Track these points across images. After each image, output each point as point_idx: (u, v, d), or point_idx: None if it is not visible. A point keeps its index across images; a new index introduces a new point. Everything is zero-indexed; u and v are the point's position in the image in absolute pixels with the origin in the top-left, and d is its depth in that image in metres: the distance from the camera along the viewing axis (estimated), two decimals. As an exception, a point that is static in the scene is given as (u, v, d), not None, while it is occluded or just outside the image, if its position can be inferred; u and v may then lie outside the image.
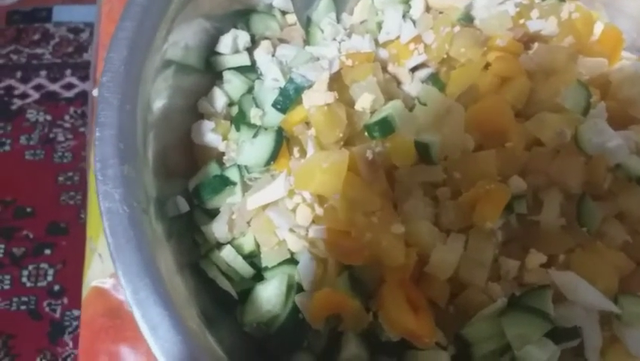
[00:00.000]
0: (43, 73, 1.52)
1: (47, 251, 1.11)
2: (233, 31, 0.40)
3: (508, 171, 0.34)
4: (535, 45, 0.39)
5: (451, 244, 0.32)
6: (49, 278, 1.08)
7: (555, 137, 0.34)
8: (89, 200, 0.46)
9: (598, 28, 0.42)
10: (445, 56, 0.40)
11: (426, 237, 0.33)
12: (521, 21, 0.40)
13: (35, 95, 1.46)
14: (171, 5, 0.34)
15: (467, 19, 0.40)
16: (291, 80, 0.35)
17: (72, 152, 1.32)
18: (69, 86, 1.62)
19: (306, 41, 0.42)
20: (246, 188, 0.35)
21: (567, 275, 0.32)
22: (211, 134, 0.37)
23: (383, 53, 0.40)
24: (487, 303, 0.32)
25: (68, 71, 1.59)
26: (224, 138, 0.37)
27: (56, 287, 1.07)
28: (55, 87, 1.51)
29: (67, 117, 1.46)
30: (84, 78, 1.66)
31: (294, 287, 0.34)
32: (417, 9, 0.41)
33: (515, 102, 0.37)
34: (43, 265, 1.09)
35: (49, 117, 1.41)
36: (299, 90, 0.35)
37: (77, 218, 1.15)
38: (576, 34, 0.39)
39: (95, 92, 0.41)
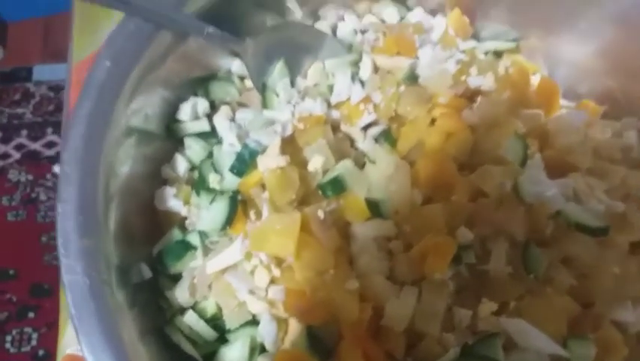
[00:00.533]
0: (24, 132, 1.53)
1: (31, 314, 1.09)
2: (192, 99, 0.42)
3: (455, 223, 0.36)
4: (479, 99, 0.42)
5: (405, 297, 0.34)
6: (34, 343, 1.06)
7: (497, 188, 0.36)
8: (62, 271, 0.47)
9: (535, 80, 0.45)
10: (394, 114, 0.42)
11: (380, 291, 0.34)
12: (462, 77, 0.43)
13: (16, 155, 1.46)
14: (129, 79, 0.36)
15: (412, 78, 0.43)
16: (245, 146, 0.37)
17: (55, 210, 1.32)
18: (50, 145, 1.63)
19: (263, 105, 0.44)
20: (207, 252, 0.36)
21: (517, 322, 0.34)
22: (173, 200, 0.39)
23: (335, 114, 0.43)
24: (442, 353, 0.33)
25: (49, 130, 1.60)
26: (186, 203, 0.39)
27: (41, 352, 1.06)
28: (36, 146, 1.52)
29: (48, 176, 1.47)
30: (65, 136, 1.67)
31: (257, 348, 0.35)
32: (365, 70, 0.44)
33: (459, 155, 0.39)
34: (27, 330, 1.08)
35: (30, 177, 1.41)
36: (253, 155, 0.37)
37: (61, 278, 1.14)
38: (513, 87, 0.41)
39: (56, 169, 0.42)
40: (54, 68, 1.74)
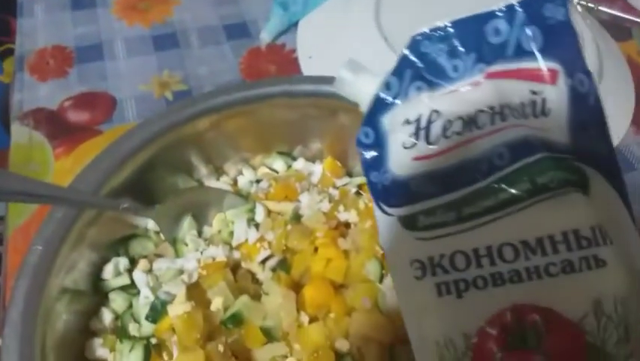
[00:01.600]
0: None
1: None
2: (114, 260, 0.51)
3: (335, 336, 0.45)
4: (350, 230, 0.53)
5: (299, 406, 0.42)
6: None
7: (362, 304, 0.46)
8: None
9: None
10: (285, 248, 0.52)
11: (278, 404, 0.42)
12: (335, 213, 0.54)
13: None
14: (59, 256, 0.45)
15: (296, 218, 0.53)
16: (157, 297, 0.46)
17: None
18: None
19: (175, 255, 0.53)
20: (132, 394, 0.44)
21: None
22: (101, 349, 0.46)
23: (237, 254, 0.52)
24: None
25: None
26: (112, 350, 0.46)
27: None
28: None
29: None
30: None
31: None
32: (259, 215, 0.54)
33: (336, 278, 0.49)
34: None
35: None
36: (164, 304, 0.45)
37: None
38: (372, 217, 0.52)
39: None
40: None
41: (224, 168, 0.61)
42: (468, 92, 0.32)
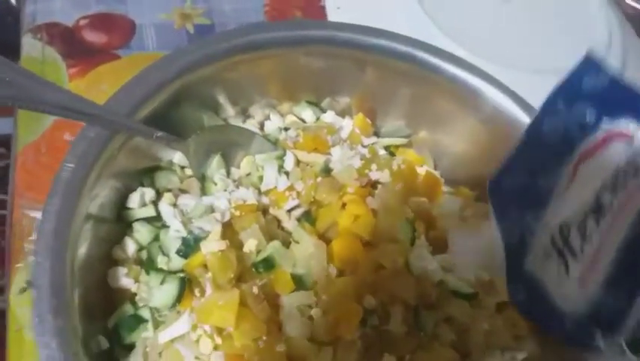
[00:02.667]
0: None
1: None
2: (140, 189, 0.49)
3: (362, 292, 0.46)
4: (378, 189, 0.52)
5: (323, 356, 0.42)
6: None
7: (392, 263, 0.46)
8: (8, 340, 0.51)
9: (422, 171, 0.57)
10: (313, 199, 0.52)
11: (303, 351, 0.42)
12: (366, 171, 0.53)
13: None
14: (90, 177, 0.43)
15: (326, 171, 0.53)
16: (190, 232, 0.45)
17: None
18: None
19: (202, 192, 0.52)
20: (156, 323, 0.43)
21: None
22: (125, 279, 0.45)
23: (265, 200, 0.51)
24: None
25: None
26: (136, 281, 0.45)
27: None
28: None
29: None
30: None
31: (202, 406, 0.41)
32: (289, 164, 0.53)
33: (364, 235, 0.49)
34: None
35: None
36: (197, 240, 0.44)
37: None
38: (404, 180, 0.52)
39: (29, 249, 0.48)
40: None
41: (250, 110, 0.59)
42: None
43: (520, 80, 0.56)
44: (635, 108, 0.33)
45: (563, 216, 0.32)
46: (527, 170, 0.33)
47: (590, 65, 0.35)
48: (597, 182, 0.32)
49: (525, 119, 0.52)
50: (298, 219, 0.51)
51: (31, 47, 0.66)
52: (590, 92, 0.35)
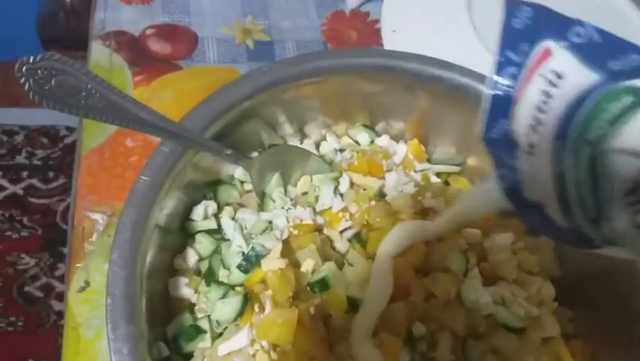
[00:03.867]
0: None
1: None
2: (204, 202, 0.51)
3: (412, 318, 0.47)
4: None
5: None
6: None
7: (444, 292, 0.47)
8: (64, 336, 0.53)
9: (476, 203, 0.58)
10: (366, 222, 0.53)
11: (353, 372, 0.44)
12: (420, 198, 0.54)
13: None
14: (162, 190, 0.45)
15: (380, 195, 0.54)
16: (252, 249, 0.46)
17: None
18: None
19: (260, 207, 0.53)
20: (214, 335, 0.45)
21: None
22: (185, 288, 0.47)
23: (319, 220, 0.53)
24: None
25: (-1, 172, 1.60)
26: (196, 291, 0.47)
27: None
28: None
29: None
30: (15, 181, 1.68)
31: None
32: (344, 186, 0.55)
33: (416, 263, 0.50)
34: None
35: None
36: (259, 257, 0.46)
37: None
38: (458, 211, 0.53)
39: (89, 250, 0.50)
40: (8, 112, 1.75)
41: (306, 130, 0.61)
42: None
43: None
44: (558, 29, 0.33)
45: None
46: (503, 115, 0.35)
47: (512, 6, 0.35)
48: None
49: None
50: (349, 240, 0.53)
51: (99, 53, 0.69)
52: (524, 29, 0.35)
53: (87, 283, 0.55)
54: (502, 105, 0.35)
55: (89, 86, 0.40)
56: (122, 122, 0.43)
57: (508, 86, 0.35)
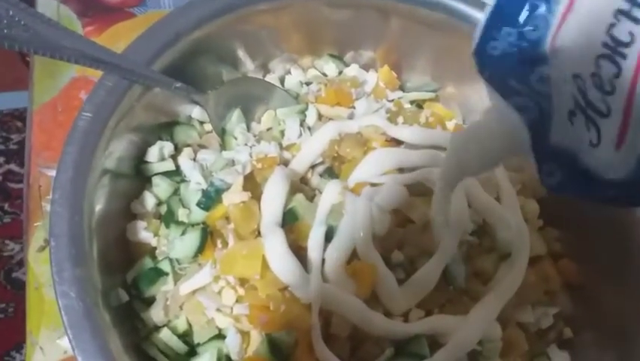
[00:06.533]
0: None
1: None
2: (159, 143, 0.48)
3: (389, 246, 0.44)
4: (404, 144, 0.50)
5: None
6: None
7: (422, 216, 0.44)
8: (27, 298, 0.50)
9: (451, 126, 0.54)
10: (336, 155, 0.50)
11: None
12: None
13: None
14: (107, 128, 0.42)
15: (350, 125, 0.51)
16: (211, 184, 0.43)
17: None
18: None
19: (222, 146, 0.50)
20: (176, 277, 0.42)
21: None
22: (144, 232, 0.44)
23: (287, 155, 0.49)
24: (380, 353, 0.40)
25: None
26: (156, 235, 0.44)
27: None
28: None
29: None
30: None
31: (223, 359, 0.40)
32: (311, 118, 0.51)
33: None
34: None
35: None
36: (219, 192, 0.43)
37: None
38: (433, 133, 0.50)
39: (47, 208, 0.47)
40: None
41: (270, 65, 0.57)
42: None
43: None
44: None
45: (570, 64, 0.26)
46: (509, 22, 0.28)
47: None
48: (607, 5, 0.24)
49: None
50: (321, 175, 0.49)
51: (45, 5, 0.65)
52: None
53: (47, 242, 0.52)
54: (512, 7, 0.27)
55: (11, 12, 0.36)
56: (53, 53, 0.39)
57: None
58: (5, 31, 0.37)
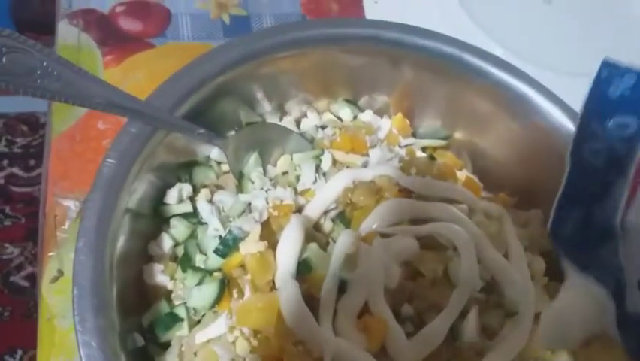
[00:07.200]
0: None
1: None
2: (178, 185, 0.49)
3: (400, 299, 0.45)
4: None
5: None
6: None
7: (432, 271, 0.46)
8: (39, 329, 0.51)
9: (462, 175, 0.56)
10: (349, 201, 0.51)
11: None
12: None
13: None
14: (130, 173, 0.43)
15: (364, 173, 0.52)
16: (230, 232, 0.44)
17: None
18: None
19: (238, 189, 0.51)
20: (191, 323, 0.43)
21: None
22: (161, 275, 0.45)
23: (301, 200, 0.50)
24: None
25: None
26: (172, 278, 0.45)
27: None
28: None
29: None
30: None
31: (234, 406, 0.41)
32: (326, 164, 0.52)
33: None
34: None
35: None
36: (237, 240, 0.44)
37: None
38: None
39: (61, 237, 0.48)
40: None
41: (287, 107, 0.58)
42: None
43: (558, 82, 0.55)
44: None
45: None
46: (581, 203, 0.31)
47: (610, 72, 0.32)
48: None
49: (570, 126, 0.51)
50: (333, 220, 0.50)
51: (67, 33, 0.66)
52: (620, 100, 0.32)
53: (60, 273, 0.53)
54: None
55: (45, 64, 0.38)
56: (83, 102, 0.40)
57: None
58: (38, 81, 0.38)
